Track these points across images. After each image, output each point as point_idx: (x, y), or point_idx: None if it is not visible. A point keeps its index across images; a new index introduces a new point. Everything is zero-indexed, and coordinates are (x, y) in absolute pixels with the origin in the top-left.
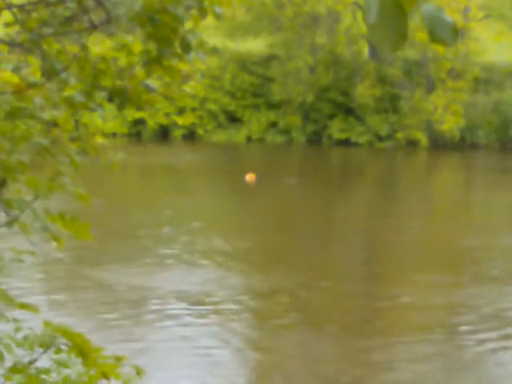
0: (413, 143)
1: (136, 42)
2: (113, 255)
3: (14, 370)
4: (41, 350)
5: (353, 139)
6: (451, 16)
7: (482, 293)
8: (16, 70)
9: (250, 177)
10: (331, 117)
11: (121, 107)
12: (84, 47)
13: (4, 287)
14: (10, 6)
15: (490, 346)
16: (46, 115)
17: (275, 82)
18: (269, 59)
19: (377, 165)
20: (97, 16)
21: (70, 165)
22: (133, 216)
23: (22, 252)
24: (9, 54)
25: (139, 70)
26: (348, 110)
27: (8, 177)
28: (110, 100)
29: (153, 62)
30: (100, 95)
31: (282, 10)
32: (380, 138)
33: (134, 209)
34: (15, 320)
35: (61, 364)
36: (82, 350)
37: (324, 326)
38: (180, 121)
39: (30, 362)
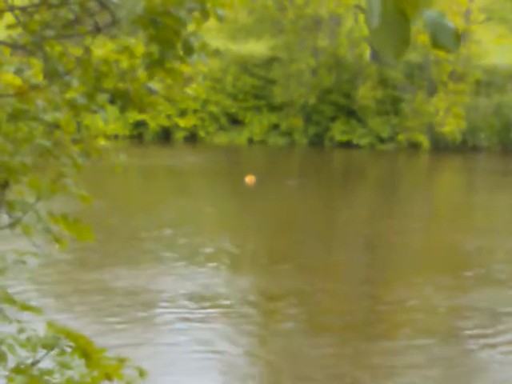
0: (414, 145)
1: (138, 44)
2: (116, 257)
3: (17, 370)
4: (44, 351)
5: (354, 141)
6: (452, 19)
7: (486, 295)
8: (18, 72)
9: (249, 179)
10: (333, 119)
11: (123, 109)
12: (87, 50)
13: (8, 290)
14: (12, 8)
15: (495, 349)
16: (49, 117)
17: (277, 84)
18: (270, 61)
19: (378, 167)
20: (99, 19)
21: (73, 167)
22: (135, 218)
23: (25, 254)
24: (11, 56)
25: (141, 73)
26: (350, 113)
27: (10, 178)
28: (112, 102)
29: (155, 65)
30: (102, 97)
31: (284, 13)
32: (382, 141)
33: (137, 211)
34: (18, 321)
35: (64, 365)
36: (85, 352)
37: (327, 328)
38: (182, 123)
39: (33, 363)
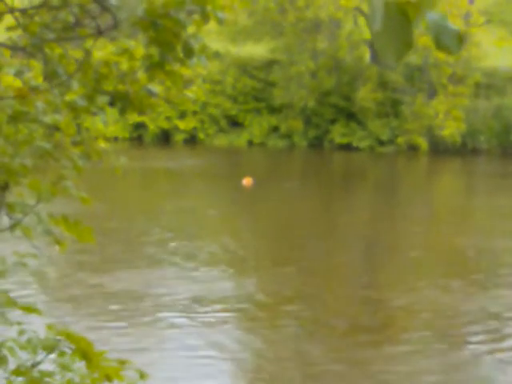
0: (414, 148)
1: (138, 46)
2: (117, 260)
3: (18, 372)
4: (44, 353)
5: (354, 144)
6: (453, 21)
7: (488, 298)
8: (18, 74)
9: (246, 181)
10: (333, 121)
11: (123, 111)
12: (87, 52)
13: (8, 292)
14: (12, 10)
15: (501, 354)
16: (49, 119)
17: (277, 86)
18: (270, 64)
19: (378, 169)
20: (99, 21)
21: (73, 169)
22: (134, 220)
23: (25, 256)
24: (11, 58)
25: (141, 75)
26: (349, 115)
27: (11, 180)
28: (112, 104)
29: (155, 67)
30: (102, 99)
31: (285, 15)
32: (381, 143)
33: (136, 213)
34: (19, 323)
35: (64, 367)
36: (86, 353)
37: (327, 332)
38: (182, 125)
39: (34, 365)
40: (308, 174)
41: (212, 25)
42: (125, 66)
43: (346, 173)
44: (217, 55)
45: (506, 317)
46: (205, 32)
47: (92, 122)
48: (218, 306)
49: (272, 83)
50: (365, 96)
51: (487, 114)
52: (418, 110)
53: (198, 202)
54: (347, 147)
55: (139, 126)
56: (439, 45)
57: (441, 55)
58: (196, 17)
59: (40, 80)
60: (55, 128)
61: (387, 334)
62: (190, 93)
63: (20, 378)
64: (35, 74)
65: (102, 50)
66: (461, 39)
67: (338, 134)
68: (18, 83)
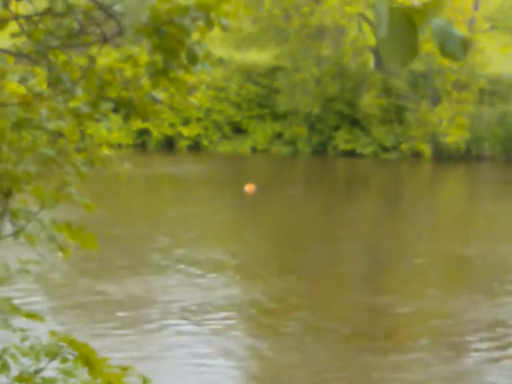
0: (418, 155)
1: (142, 53)
2: (119, 267)
3: (20, 379)
4: (47, 359)
5: (358, 150)
6: (457, 28)
7: (493, 305)
8: (22, 80)
9: (249, 187)
10: (336, 128)
11: (126, 118)
12: (91, 59)
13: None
14: (16, 17)
15: (503, 362)
16: (52, 126)
17: (281, 93)
18: (274, 70)
19: (382, 176)
20: (103, 28)
21: (76, 175)
22: (138, 227)
23: (29, 262)
24: (15, 65)
25: (145, 82)
26: (353, 122)
27: (14, 187)
28: (116, 111)
29: (159, 74)
30: (106, 106)
31: (289, 22)
32: (385, 149)
33: (140, 220)
34: (22, 329)
35: (67, 373)
36: (88, 360)
37: (332, 339)
38: (185, 132)
39: (36, 372)
40: (312, 180)
41: (216, 31)
42: (129, 72)
43: (349, 179)
44: (221, 62)
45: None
46: (209, 39)
47: (96, 128)
48: (223, 313)
49: (276, 90)
50: (369, 102)
51: (491, 121)
52: (422, 116)
53: (201, 208)
54: (351, 153)
55: (143, 133)
56: (444, 51)
57: (445, 62)
58: (200, 24)
59: (44, 87)
60: (59, 135)
61: (392, 342)
62: (194, 99)
63: None
64: (39, 80)
65: (106, 57)
66: (466, 46)
67: (341, 140)
68: (21, 90)
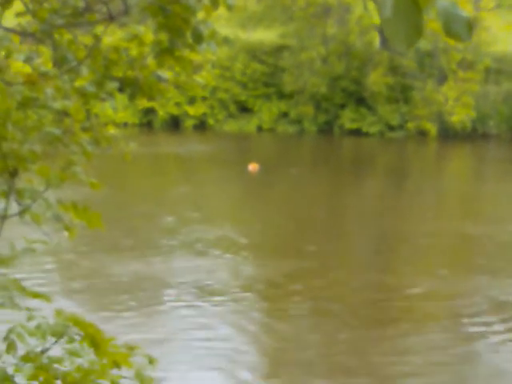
0: (424, 133)
1: (148, 32)
2: (122, 248)
3: (27, 358)
4: (53, 339)
5: (364, 129)
6: (462, 6)
7: (497, 283)
8: (28, 60)
9: (252, 166)
10: (342, 106)
11: (132, 97)
12: (97, 38)
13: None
14: None
15: (504, 336)
16: (58, 105)
17: (287, 72)
18: (280, 49)
19: (387, 155)
20: (110, 6)
21: (82, 155)
22: (142, 206)
23: (35, 242)
24: (21, 45)
25: (151, 61)
26: (359, 100)
27: (20, 166)
28: (121, 90)
29: (164, 53)
30: (111, 85)
31: (294, 0)
32: (391, 128)
33: (144, 199)
34: (28, 309)
35: (73, 353)
36: (94, 340)
37: (337, 316)
38: (191, 111)
39: (43, 352)
40: (317, 159)
41: (221, 10)
42: (134, 51)
43: (355, 158)
44: (226, 41)
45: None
46: (214, 18)
47: (101, 107)
48: (229, 293)
49: (282, 69)
50: (376, 80)
51: (497, 100)
52: (428, 95)
53: (206, 187)
54: (357, 133)
55: (149, 112)
56: (449, 32)
57: (451, 40)
58: (205, 2)
59: (49, 66)
60: (64, 114)
61: (397, 322)
62: (200, 78)
63: (29, 364)
64: (44, 60)
65: (111, 36)
66: (471, 26)
67: (347, 119)
68: (27, 69)
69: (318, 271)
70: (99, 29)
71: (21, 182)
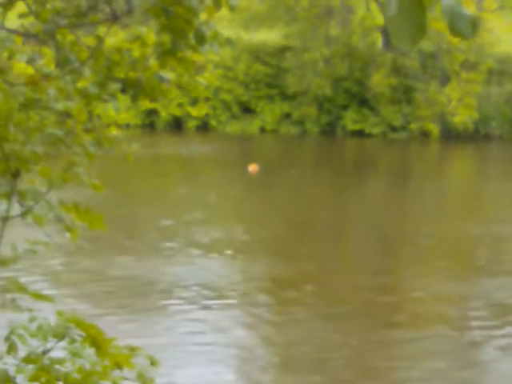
0: (426, 134)
1: (150, 33)
2: (122, 248)
3: (28, 360)
4: (54, 340)
5: (366, 130)
6: (466, 6)
7: (500, 285)
8: (30, 61)
9: (252, 167)
10: (345, 107)
11: (134, 98)
12: (99, 39)
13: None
14: None
15: (510, 340)
16: (60, 106)
17: (291, 73)
18: (283, 50)
19: (390, 156)
20: (113, 7)
21: (84, 156)
22: (142, 207)
23: (37, 243)
24: (23, 45)
25: (153, 62)
26: (362, 101)
27: (22, 167)
28: (124, 91)
29: (167, 54)
30: (114, 86)
31: (297, 0)
32: (394, 129)
33: (145, 200)
34: (29, 310)
35: (75, 354)
36: (95, 341)
37: (336, 318)
38: (194, 112)
39: (44, 352)
40: (320, 160)
41: (224, 11)
42: (137, 52)
43: (357, 159)
44: (229, 42)
45: None
46: (216, 19)
47: (104, 108)
48: (227, 294)
49: (285, 69)
50: (379, 82)
51: (499, 101)
52: (430, 96)
53: (207, 189)
54: (359, 134)
55: (151, 113)
56: (454, 30)
57: (454, 41)
58: (208, 3)
59: (52, 67)
60: (67, 115)
61: (397, 321)
62: (202, 79)
63: (30, 366)
64: (47, 60)
65: (113, 37)
66: (475, 24)
67: (350, 120)
68: (29, 70)
69: (318, 273)
70: (102, 30)
71: (23, 183)
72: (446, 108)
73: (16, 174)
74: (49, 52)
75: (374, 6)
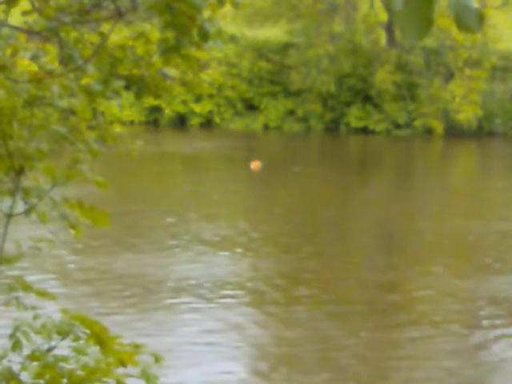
0: (430, 131)
1: (154, 30)
2: (128, 245)
3: (32, 357)
4: (59, 337)
5: (370, 127)
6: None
7: (507, 282)
8: (34, 58)
9: (254, 164)
10: (349, 104)
11: (138, 95)
12: (104, 36)
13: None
14: None
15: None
16: (64, 103)
17: (294, 70)
18: (287, 47)
19: (394, 152)
20: (117, 3)
21: (88, 153)
22: (146, 204)
23: (41, 240)
24: (27, 43)
25: (157, 59)
26: (366, 98)
27: (26, 165)
28: (128, 88)
29: (170, 51)
30: (117, 83)
31: None
32: (398, 126)
33: (148, 196)
34: (33, 308)
35: (79, 352)
36: (100, 338)
37: (343, 315)
38: (197, 108)
39: (48, 350)
40: (323, 157)
41: (227, 8)
42: (140, 49)
43: (361, 156)
44: (232, 39)
45: None
46: (220, 15)
47: (107, 106)
48: (232, 290)
49: (288, 66)
50: (383, 78)
51: (503, 97)
52: (434, 93)
53: (211, 186)
54: (363, 130)
55: (155, 110)
56: (460, 24)
57: (458, 37)
58: (211, 0)
59: (55, 64)
60: (71, 112)
61: (403, 318)
62: (206, 76)
63: (35, 363)
64: (51, 58)
65: (117, 34)
66: (482, 18)
67: (354, 117)
68: (33, 67)
69: (319, 269)
70: (106, 27)
71: (27, 181)
72: (450, 105)
73: (20, 172)
74: (52, 49)
75: (377, 3)
